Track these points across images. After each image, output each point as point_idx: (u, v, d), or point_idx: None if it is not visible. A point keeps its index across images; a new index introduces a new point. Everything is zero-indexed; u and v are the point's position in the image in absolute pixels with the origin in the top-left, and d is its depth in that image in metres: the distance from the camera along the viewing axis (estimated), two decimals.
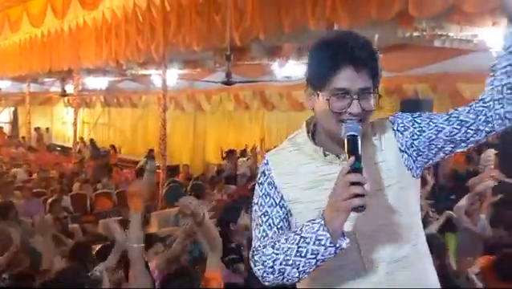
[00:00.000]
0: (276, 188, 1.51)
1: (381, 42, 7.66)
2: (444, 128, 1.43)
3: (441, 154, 1.48)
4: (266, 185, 1.51)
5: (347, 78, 1.39)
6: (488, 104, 1.39)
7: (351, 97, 1.39)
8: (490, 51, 6.05)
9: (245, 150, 12.70)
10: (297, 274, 1.37)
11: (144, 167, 10.39)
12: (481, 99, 1.41)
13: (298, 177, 1.49)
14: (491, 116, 1.38)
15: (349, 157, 1.32)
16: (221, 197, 8.50)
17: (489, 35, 5.88)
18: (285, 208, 1.49)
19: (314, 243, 1.32)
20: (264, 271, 1.42)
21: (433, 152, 1.47)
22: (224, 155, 12.43)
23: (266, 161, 1.56)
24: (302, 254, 1.34)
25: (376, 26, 6.79)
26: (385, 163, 1.46)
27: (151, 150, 13.56)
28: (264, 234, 1.47)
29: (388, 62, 9.03)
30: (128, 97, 16.89)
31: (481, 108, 1.41)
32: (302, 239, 1.34)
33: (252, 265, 1.47)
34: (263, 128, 13.39)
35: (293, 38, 7.30)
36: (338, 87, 1.40)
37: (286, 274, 1.38)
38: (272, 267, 1.40)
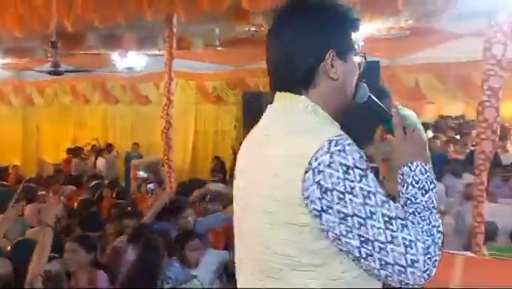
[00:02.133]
0: None
1: (222, 36, 7.83)
2: None
3: None
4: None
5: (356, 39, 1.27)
6: None
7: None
8: None
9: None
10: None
11: None
12: None
13: None
14: None
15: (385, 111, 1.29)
16: (57, 199, 7.82)
17: None
18: None
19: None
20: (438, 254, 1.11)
21: None
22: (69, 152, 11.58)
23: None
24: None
25: (217, 20, 6.86)
26: None
27: None
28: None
29: (230, 56, 9.31)
30: None
31: None
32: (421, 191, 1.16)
33: (428, 262, 1.09)
34: (106, 124, 12.68)
35: (132, 28, 7.01)
36: (356, 50, 1.27)
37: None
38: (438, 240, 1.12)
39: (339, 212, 1.07)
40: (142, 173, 8.06)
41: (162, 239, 3.29)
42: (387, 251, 1.07)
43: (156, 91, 10.36)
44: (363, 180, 1.08)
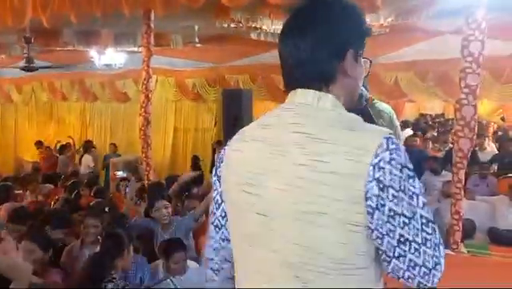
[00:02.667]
0: None
1: (201, 33, 7.74)
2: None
3: None
4: None
5: None
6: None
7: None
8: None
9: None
10: None
11: None
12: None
13: None
14: None
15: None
16: (35, 198, 7.67)
17: None
18: None
19: None
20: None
21: None
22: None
23: None
24: None
25: (196, 17, 6.78)
26: None
27: None
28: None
29: (210, 53, 9.21)
30: None
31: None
32: None
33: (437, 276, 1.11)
34: (85, 121, 12.48)
35: (109, 24, 6.88)
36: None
37: None
38: None
39: (390, 210, 1.06)
40: (121, 173, 7.95)
41: (127, 238, 3.22)
42: (419, 252, 1.09)
43: (136, 89, 10.23)
44: (411, 180, 1.08)
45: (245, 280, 1.23)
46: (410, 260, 1.08)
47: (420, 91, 8.10)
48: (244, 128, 1.30)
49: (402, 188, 1.06)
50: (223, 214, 1.29)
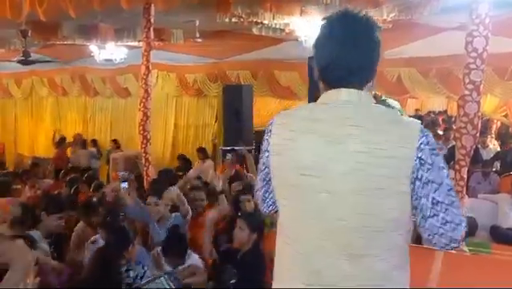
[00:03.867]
0: None
1: (202, 28, 7.67)
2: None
3: None
4: None
5: None
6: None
7: None
8: (300, 41, 6.41)
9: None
10: None
11: None
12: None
13: None
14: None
15: None
16: (34, 193, 7.63)
17: (298, 25, 6.21)
18: None
19: None
20: None
21: None
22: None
23: None
24: None
25: (197, 12, 6.72)
26: None
27: None
28: None
29: (210, 48, 9.14)
30: None
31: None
32: None
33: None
34: (85, 116, 12.42)
35: (109, 18, 6.81)
36: None
37: None
38: None
39: (426, 179, 1.40)
40: (123, 174, 7.87)
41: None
42: (448, 212, 1.41)
43: (137, 84, 10.17)
44: (439, 156, 1.43)
45: (305, 250, 1.47)
46: (442, 218, 1.41)
47: (423, 87, 8.02)
48: (284, 121, 1.52)
49: (433, 162, 1.40)
50: (268, 177, 1.58)
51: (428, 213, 1.42)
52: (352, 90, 1.45)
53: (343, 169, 1.39)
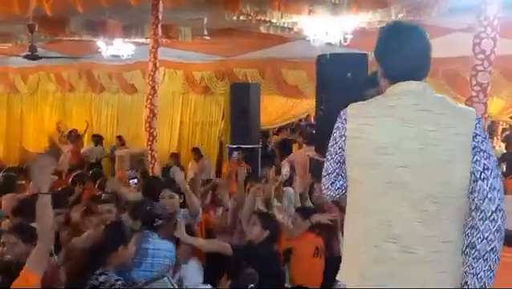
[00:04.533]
0: None
1: (210, 26, 7.69)
2: None
3: None
4: None
5: None
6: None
7: None
8: (308, 40, 6.41)
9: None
10: None
11: None
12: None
13: None
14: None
15: None
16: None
17: (306, 24, 6.21)
18: None
19: None
20: None
21: None
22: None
23: None
24: None
25: (205, 10, 6.73)
26: None
27: None
28: None
29: (218, 46, 9.14)
30: None
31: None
32: None
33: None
34: (91, 112, 12.44)
35: (116, 13, 6.84)
36: None
37: None
38: None
39: (479, 148, 1.67)
40: (130, 173, 7.87)
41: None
42: (498, 179, 1.66)
43: (143, 81, 10.19)
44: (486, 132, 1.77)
45: (385, 214, 1.69)
46: (491, 183, 1.65)
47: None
48: (358, 110, 1.78)
49: (486, 137, 1.70)
50: (342, 160, 1.82)
51: (479, 176, 1.66)
52: (418, 82, 1.74)
53: (418, 146, 1.65)
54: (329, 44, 6.42)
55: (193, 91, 10.39)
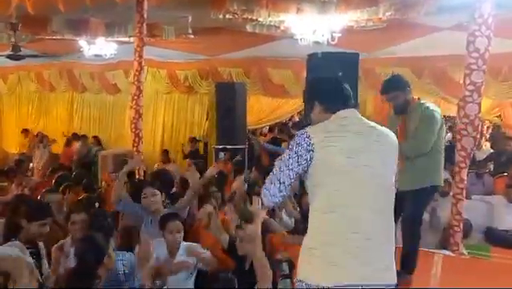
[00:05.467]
0: None
1: (195, 24, 7.54)
2: None
3: None
4: None
5: None
6: None
7: None
8: (295, 38, 6.32)
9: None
10: None
11: None
12: None
13: None
14: None
15: None
16: (21, 190, 7.44)
17: (294, 22, 6.12)
18: None
19: None
20: None
21: None
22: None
23: None
24: None
25: (190, 8, 6.59)
26: None
27: None
28: None
29: (203, 44, 8.99)
30: None
31: None
32: None
33: None
34: (71, 112, 12.18)
35: (99, 12, 6.65)
36: None
37: None
38: None
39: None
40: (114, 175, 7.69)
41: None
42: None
43: (126, 80, 9.99)
44: None
45: (353, 207, 2.04)
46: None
47: (417, 88, 7.95)
48: (315, 129, 2.13)
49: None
50: (306, 169, 2.11)
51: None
52: (355, 110, 2.21)
53: (372, 151, 2.09)
54: (316, 43, 6.34)
55: (176, 91, 10.23)
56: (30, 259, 3.05)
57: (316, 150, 2.04)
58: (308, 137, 2.07)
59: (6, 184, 7.43)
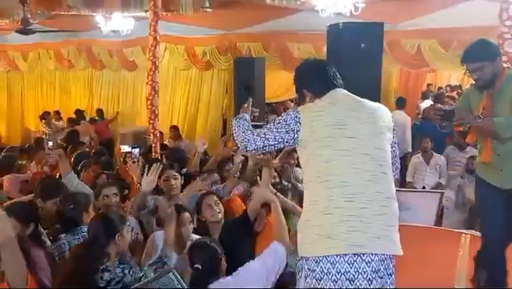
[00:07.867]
0: None
1: None
2: None
3: None
4: None
5: None
6: None
7: None
8: (316, 10, 6.08)
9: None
10: None
11: None
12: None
13: None
14: None
15: None
16: (40, 168, 7.47)
17: None
18: None
19: None
20: None
21: None
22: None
23: None
24: None
25: None
26: None
27: None
28: None
29: (221, 19, 8.80)
30: None
31: None
32: None
33: None
34: (91, 90, 12.19)
35: None
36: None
37: None
38: None
39: (394, 129, 2.33)
40: (126, 147, 7.64)
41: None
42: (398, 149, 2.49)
43: (144, 57, 9.88)
44: None
45: (343, 175, 2.11)
46: (395, 151, 2.36)
47: (445, 60, 7.65)
48: (307, 106, 2.26)
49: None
50: (292, 142, 2.24)
51: (394, 146, 2.33)
52: (341, 88, 2.33)
53: (362, 122, 2.17)
54: (338, 14, 6.10)
55: (194, 67, 10.07)
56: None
57: (304, 124, 2.15)
58: (297, 112, 2.20)
59: (25, 162, 7.47)
